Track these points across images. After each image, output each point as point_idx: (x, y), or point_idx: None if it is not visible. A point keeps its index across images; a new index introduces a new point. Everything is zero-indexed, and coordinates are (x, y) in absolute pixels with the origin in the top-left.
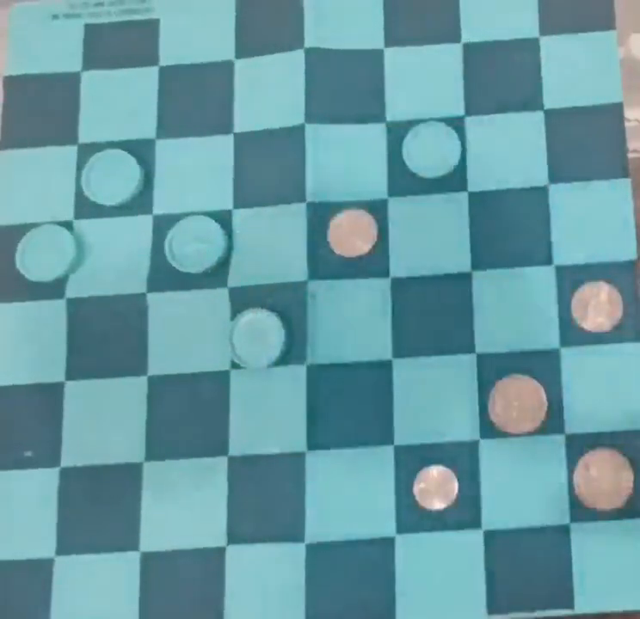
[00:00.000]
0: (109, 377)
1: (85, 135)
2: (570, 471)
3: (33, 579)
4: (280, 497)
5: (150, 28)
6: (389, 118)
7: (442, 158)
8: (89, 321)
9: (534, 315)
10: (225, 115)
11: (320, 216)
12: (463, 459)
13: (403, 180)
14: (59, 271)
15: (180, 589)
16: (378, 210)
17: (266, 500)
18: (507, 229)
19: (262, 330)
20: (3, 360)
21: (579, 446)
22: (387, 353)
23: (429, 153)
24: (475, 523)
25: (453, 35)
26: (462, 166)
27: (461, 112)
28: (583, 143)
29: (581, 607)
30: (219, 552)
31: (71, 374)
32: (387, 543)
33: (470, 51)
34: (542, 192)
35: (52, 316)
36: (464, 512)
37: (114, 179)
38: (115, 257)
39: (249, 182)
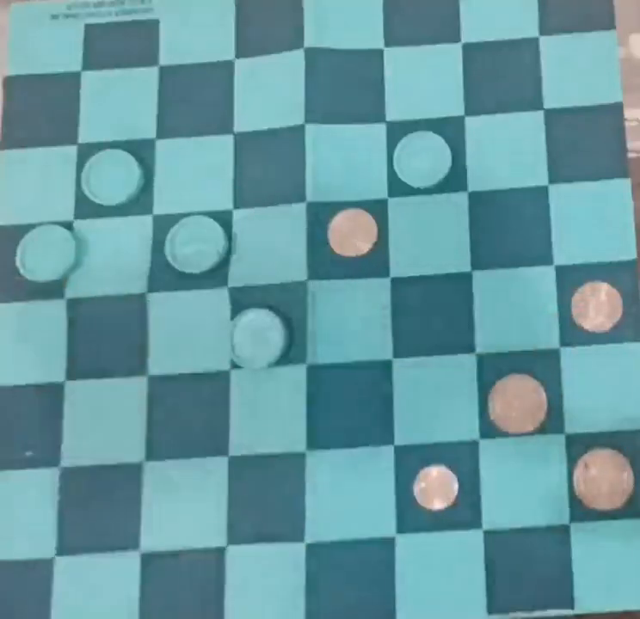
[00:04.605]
0: (109, 377)
1: (85, 135)
2: (570, 471)
3: (33, 579)
4: (279, 497)
5: (150, 28)
6: (389, 118)
7: (431, 169)
8: (89, 321)
9: (534, 315)
10: (225, 115)
11: (320, 216)
12: (463, 459)
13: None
14: (59, 271)
15: (180, 589)
16: (378, 210)
17: (266, 500)
18: (507, 229)
19: (262, 330)
20: (3, 360)
21: (579, 446)
22: (387, 353)
23: (419, 165)
24: (475, 523)
25: (453, 35)
26: (461, 166)
27: (461, 112)
28: (583, 143)
29: (581, 607)
30: (219, 552)
31: (71, 374)
32: (387, 543)
33: (470, 51)
34: (542, 192)
35: (52, 316)
36: (464, 512)
37: (114, 179)
38: (115, 257)
39: (249, 182)
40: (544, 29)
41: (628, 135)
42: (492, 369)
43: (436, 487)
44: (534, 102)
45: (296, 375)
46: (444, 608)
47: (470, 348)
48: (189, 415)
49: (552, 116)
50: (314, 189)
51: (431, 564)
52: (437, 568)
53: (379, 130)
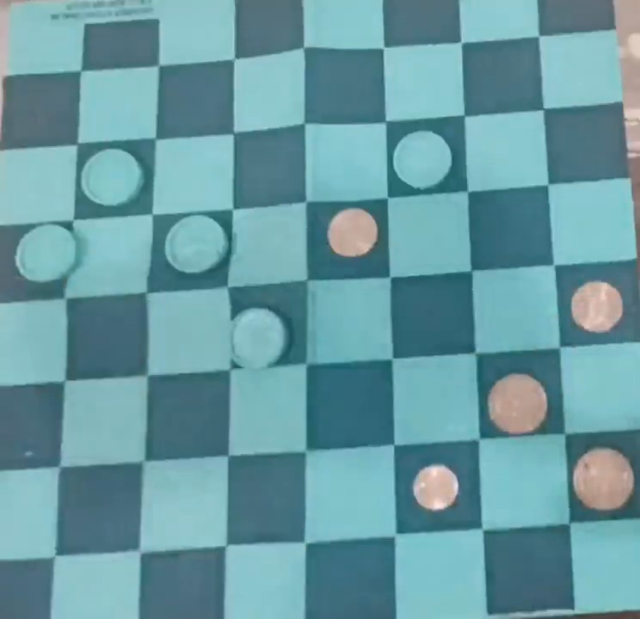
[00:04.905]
0: (109, 377)
1: (85, 135)
2: (570, 471)
3: (33, 579)
4: (280, 497)
5: (150, 28)
6: (389, 118)
7: (431, 169)
8: (89, 321)
9: (534, 315)
10: (225, 115)
11: (320, 216)
12: (463, 459)
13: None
14: (59, 271)
15: (180, 589)
16: (378, 210)
17: (266, 500)
18: (507, 229)
19: (262, 330)
20: (3, 360)
21: (579, 446)
22: (387, 353)
23: (419, 165)
24: (475, 523)
25: (453, 35)
26: (461, 166)
27: (461, 112)
28: (583, 143)
29: (581, 607)
30: (219, 552)
31: (71, 374)
32: (387, 543)
33: (470, 51)
34: (542, 192)
35: (52, 316)
36: (464, 512)
37: (114, 179)
38: (115, 257)
39: (249, 182)
40: (544, 29)
41: (628, 135)
42: (492, 369)
43: (436, 487)
44: (534, 102)
45: (296, 375)
46: (444, 608)
47: (470, 348)
48: (189, 415)
49: (552, 116)
50: (314, 189)
51: (431, 564)
52: (437, 568)
53: (379, 130)
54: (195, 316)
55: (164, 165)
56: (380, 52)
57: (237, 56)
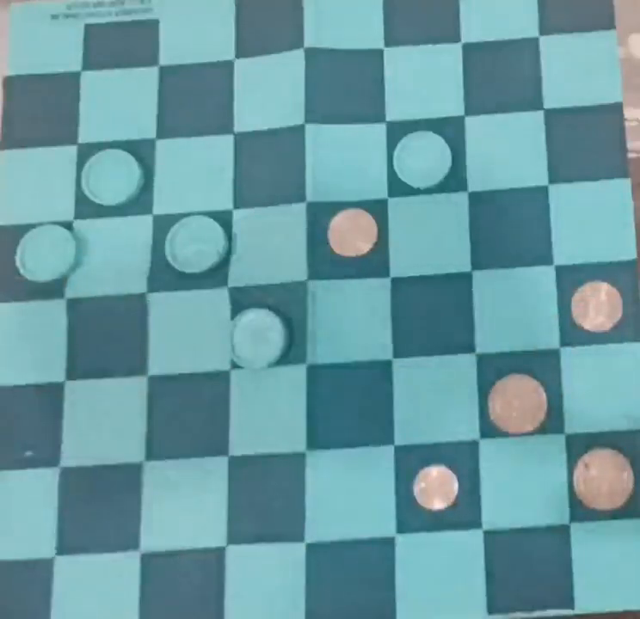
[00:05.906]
0: (109, 377)
1: (85, 135)
2: (570, 471)
3: (33, 579)
4: (280, 497)
5: (150, 28)
6: (389, 118)
7: (431, 169)
8: (89, 321)
9: (534, 315)
10: (225, 115)
11: (320, 216)
12: (463, 459)
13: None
14: (59, 271)
15: (180, 589)
16: (378, 210)
17: (266, 500)
18: (507, 229)
19: (262, 330)
20: (3, 360)
21: (579, 446)
22: (387, 353)
23: (419, 165)
24: (475, 523)
25: (453, 35)
26: (461, 166)
27: (461, 112)
28: (583, 143)
29: (581, 607)
30: (219, 552)
31: (71, 374)
32: (387, 543)
33: (470, 51)
34: (542, 192)
35: (52, 316)
36: (464, 512)
37: (114, 179)
38: (115, 257)
39: (249, 182)
40: (544, 29)
41: (628, 135)
42: (492, 369)
43: (436, 487)
44: (534, 102)
45: (296, 375)
46: (444, 608)
47: (470, 348)
48: (189, 415)
49: (552, 116)
50: (314, 189)
51: (431, 564)
52: (437, 568)
53: (379, 130)
54: (195, 316)
55: (164, 165)
56: (380, 52)
57: (237, 56)
